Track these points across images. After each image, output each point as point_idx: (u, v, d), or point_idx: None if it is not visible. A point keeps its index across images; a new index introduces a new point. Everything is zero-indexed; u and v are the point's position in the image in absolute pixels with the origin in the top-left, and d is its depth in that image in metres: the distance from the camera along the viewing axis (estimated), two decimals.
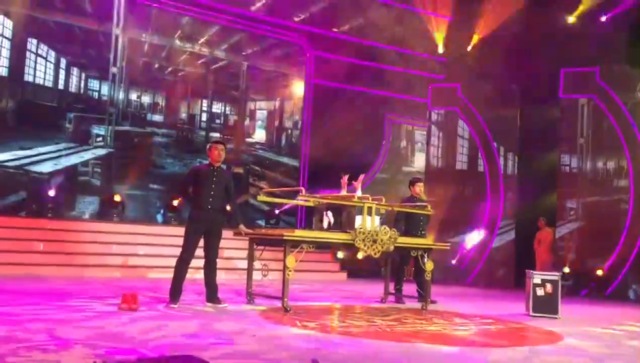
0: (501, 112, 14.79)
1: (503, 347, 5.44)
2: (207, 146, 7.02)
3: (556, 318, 7.65)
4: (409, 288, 8.85)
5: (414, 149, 17.25)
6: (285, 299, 6.62)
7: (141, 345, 4.30)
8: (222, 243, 7.00)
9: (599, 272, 12.73)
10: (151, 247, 11.19)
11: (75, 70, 13.06)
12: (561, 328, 6.69)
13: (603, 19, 13.27)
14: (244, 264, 9.77)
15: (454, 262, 14.34)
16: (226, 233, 7.21)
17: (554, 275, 8.03)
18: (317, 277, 12.08)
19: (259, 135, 15.66)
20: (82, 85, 13.16)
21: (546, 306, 7.77)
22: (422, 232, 8.73)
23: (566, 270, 12.72)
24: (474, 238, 14.43)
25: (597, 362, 4.92)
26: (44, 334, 4.46)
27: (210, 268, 6.87)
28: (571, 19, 13.73)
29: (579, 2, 13.52)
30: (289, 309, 6.57)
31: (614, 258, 12.69)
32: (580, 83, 13.65)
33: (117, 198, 12.83)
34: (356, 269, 13.21)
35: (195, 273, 7.95)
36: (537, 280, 7.88)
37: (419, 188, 8.98)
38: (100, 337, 4.50)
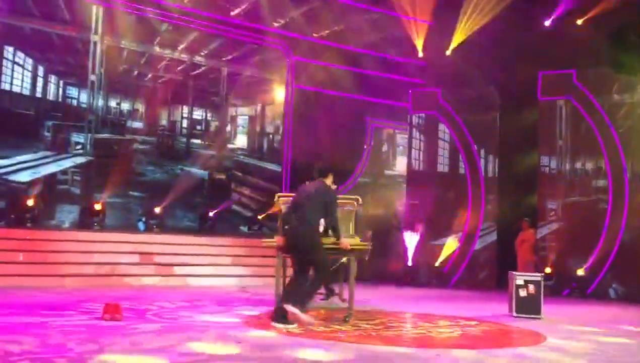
0: (481, 115, 14.91)
1: (488, 348, 5.47)
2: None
3: (539, 318, 7.71)
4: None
5: (396, 152, 17.32)
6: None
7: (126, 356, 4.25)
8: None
9: (580, 272, 12.86)
10: (133, 256, 11.02)
11: (53, 78, 12.89)
12: (544, 328, 6.75)
13: (579, 22, 13.46)
14: (229, 270, 9.72)
15: (436, 264, 14.42)
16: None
17: (536, 276, 8.10)
18: None
19: (241, 140, 15.60)
20: (60, 92, 12.99)
21: (529, 307, 7.83)
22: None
23: (548, 270, 12.83)
24: (450, 245, 14.50)
25: (581, 361, 4.97)
26: (22, 348, 4.38)
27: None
28: (548, 23, 13.89)
29: (556, 6, 13.69)
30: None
31: (594, 257, 12.83)
32: (558, 85, 13.80)
33: (97, 206, 12.68)
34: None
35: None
36: (519, 281, 7.94)
37: None
38: (82, 349, 4.44)
